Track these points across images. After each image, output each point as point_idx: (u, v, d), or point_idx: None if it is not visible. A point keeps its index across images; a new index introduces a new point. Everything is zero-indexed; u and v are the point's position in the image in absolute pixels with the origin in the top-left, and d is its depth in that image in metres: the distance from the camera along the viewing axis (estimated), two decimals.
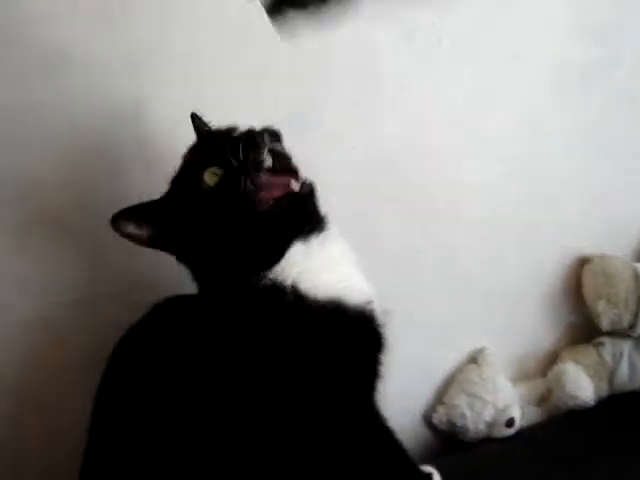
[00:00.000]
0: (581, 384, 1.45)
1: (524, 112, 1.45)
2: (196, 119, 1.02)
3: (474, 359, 1.48)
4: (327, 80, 1.24)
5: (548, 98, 1.47)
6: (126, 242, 1.02)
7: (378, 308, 0.90)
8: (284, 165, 0.89)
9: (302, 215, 0.90)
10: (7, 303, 1.09)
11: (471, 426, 1.40)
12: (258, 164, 0.86)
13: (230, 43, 1.15)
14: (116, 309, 0.99)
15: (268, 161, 0.87)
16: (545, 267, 1.56)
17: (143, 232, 0.90)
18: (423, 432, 1.46)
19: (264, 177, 0.86)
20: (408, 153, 1.33)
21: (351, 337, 0.85)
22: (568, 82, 1.49)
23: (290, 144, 0.92)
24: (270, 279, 0.86)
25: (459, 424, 1.41)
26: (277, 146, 0.89)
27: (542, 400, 1.50)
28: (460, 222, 1.42)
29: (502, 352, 1.50)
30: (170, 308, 0.93)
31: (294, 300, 0.85)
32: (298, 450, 0.82)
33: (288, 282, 0.86)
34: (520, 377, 1.53)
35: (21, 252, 1.09)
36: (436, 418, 1.43)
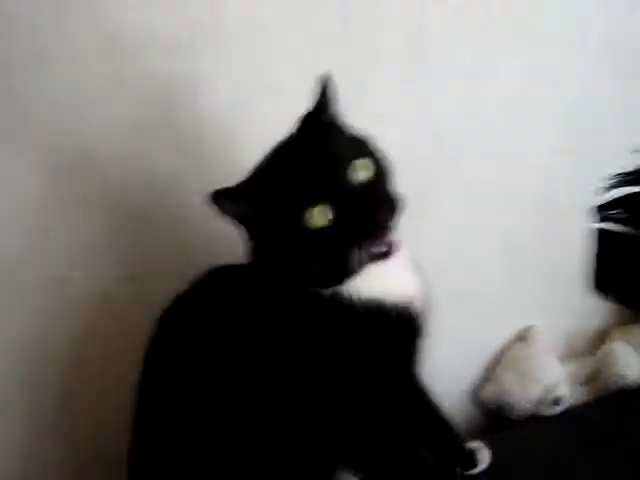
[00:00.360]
0: (631, 364, 1.43)
1: (579, 90, 1.44)
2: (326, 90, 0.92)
3: (523, 337, 1.48)
4: (376, 57, 1.24)
5: (604, 77, 1.45)
6: (185, 221, 1.11)
7: (419, 304, 0.91)
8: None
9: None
10: (67, 276, 1.10)
11: (518, 404, 1.40)
12: (378, 235, 0.85)
13: (287, 21, 1.16)
14: (173, 286, 1.00)
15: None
16: None
17: (239, 210, 0.88)
18: (470, 409, 1.46)
19: (372, 246, 0.86)
20: (457, 130, 1.33)
21: (387, 328, 0.87)
22: (624, 60, 1.46)
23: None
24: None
25: (506, 401, 1.40)
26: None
27: (590, 379, 1.49)
28: (515, 199, 1.41)
29: (551, 330, 1.49)
30: (225, 274, 0.95)
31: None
32: (342, 417, 0.87)
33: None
34: (569, 356, 1.52)
35: (83, 225, 1.10)
36: (484, 395, 1.43)
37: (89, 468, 1.15)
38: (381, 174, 0.87)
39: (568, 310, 1.55)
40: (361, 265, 0.84)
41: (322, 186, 0.83)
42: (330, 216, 0.82)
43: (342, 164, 0.84)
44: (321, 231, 0.82)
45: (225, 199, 0.85)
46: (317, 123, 0.88)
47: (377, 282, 0.87)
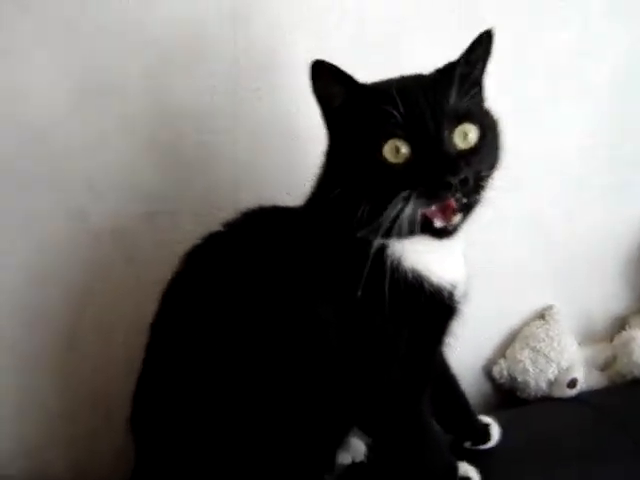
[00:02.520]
0: None
1: (626, 69, 1.40)
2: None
3: (542, 315, 1.45)
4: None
5: None
6: (210, 160, 1.09)
7: (459, 292, 0.90)
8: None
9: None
10: (80, 208, 1.07)
11: (532, 383, 1.37)
12: (445, 193, 0.78)
13: None
14: (193, 227, 0.97)
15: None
16: (625, 231, 1.51)
17: (329, 92, 0.84)
18: (483, 384, 1.44)
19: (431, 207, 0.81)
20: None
21: (422, 306, 0.86)
22: None
23: None
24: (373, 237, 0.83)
25: (520, 379, 1.38)
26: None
27: (606, 365, 1.46)
28: (543, 177, 1.37)
29: (571, 312, 1.46)
30: (263, 217, 0.93)
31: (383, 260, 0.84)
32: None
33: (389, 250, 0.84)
34: (587, 339, 1.49)
35: (101, 155, 1.07)
36: (496, 371, 1.40)
37: (85, 407, 1.14)
38: (480, 151, 0.82)
39: (589, 293, 1.51)
40: (412, 224, 0.79)
41: (412, 126, 0.79)
42: (405, 157, 0.79)
43: (444, 117, 0.79)
44: (391, 167, 0.79)
45: (325, 73, 0.82)
46: (452, 74, 0.82)
47: (426, 258, 0.85)
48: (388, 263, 0.83)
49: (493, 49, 0.86)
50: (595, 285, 1.51)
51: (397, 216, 0.77)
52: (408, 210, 0.77)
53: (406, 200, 0.77)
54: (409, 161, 0.79)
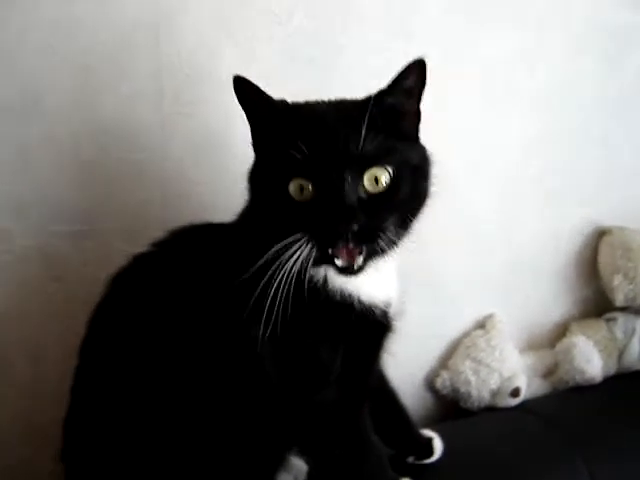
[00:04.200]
0: (590, 359, 1.41)
1: (557, 77, 1.42)
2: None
3: (482, 325, 1.45)
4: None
5: (585, 65, 1.43)
6: (137, 177, 1.06)
7: (392, 309, 0.89)
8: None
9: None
10: (4, 227, 1.04)
11: (475, 393, 1.37)
12: (337, 241, 0.77)
13: None
14: (121, 245, 0.95)
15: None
16: (562, 237, 1.52)
17: (255, 110, 0.83)
18: (425, 396, 1.43)
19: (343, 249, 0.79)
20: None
21: (354, 324, 0.85)
22: (605, 49, 1.45)
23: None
24: None
25: (463, 390, 1.37)
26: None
27: (549, 373, 1.46)
28: (480, 187, 1.38)
29: (511, 320, 1.46)
30: (191, 235, 0.91)
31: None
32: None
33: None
34: (528, 347, 1.50)
35: (23, 172, 1.03)
36: (439, 382, 1.39)
37: (17, 436, 1.09)
38: (393, 195, 0.80)
39: (529, 301, 1.51)
40: (314, 260, 0.78)
41: (316, 167, 0.77)
42: (309, 195, 0.78)
43: (349, 162, 0.77)
44: (296, 204, 0.78)
45: (245, 89, 0.81)
46: (365, 110, 0.79)
47: (355, 281, 0.83)
48: (313, 284, 0.81)
49: (426, 78, 0.83)
50: (535, 292, 1.51)
51: (294, 254, 0.76)
52: (304, 252, 0.76)
53: (301, 242, 0.76)
54: (313, 199, 0.77)
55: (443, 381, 1.39)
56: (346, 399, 0.87)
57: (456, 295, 1.41)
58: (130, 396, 0.83)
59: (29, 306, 1.07)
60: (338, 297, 0.83)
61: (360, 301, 0.84)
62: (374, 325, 0.86)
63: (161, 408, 0.82)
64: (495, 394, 1.37)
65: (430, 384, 1.42)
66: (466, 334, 1.44)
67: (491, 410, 1.38)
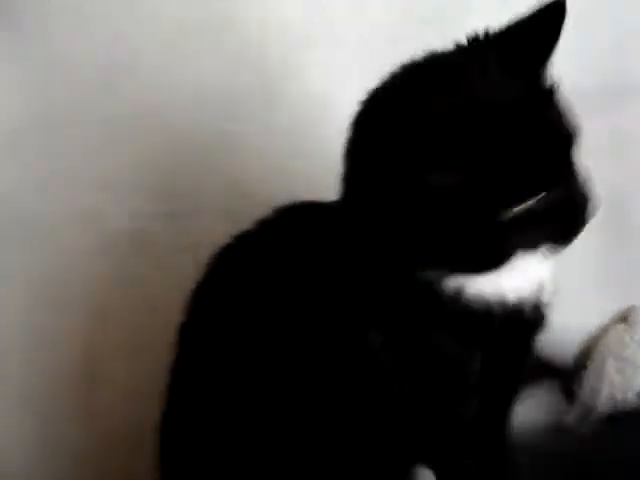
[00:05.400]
0: None
1: None
2: None
3: (624, 318, 1.30)
4: None
5: None
6: (235, 157, 1.02)
7: (544, 297, 0.74)
8: None
9: None
10: (97, 209, 1.00)
11: (620, 394, 1.22)
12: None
13: None
14: (221, 227, 0.87)
15: None
16: None
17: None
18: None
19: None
20: None
21: (495, 331, 0.71)
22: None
23: None
24: None
25: (606, 392, 1.23)
26: None
27: None
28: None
29: None
30: (299, 215, 0.81)
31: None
32: None
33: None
34: None
35: (115, 150, 1.00)
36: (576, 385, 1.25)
37: (114, 446, 1.04)
38: None
39: None
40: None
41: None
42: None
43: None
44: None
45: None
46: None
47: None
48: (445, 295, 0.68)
49: None
50: None
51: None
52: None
53: None
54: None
55: (583, 382, 1.25)
56: (490, 409, 0.77)
57: (590, 285, 1.27)
58: (233, 395, 0.75)
59: (118, 295, 1.03)
60: (476, 306, 0.69)
61: (504, 304, 0.70)
62: (522, 326, 0.73)
63: (269, 413, 0.73)
64: None
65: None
66: (605, 330, 1.30)
67: (637, 413, 1.22)
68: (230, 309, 0.77)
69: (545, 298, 0.73)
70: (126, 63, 0.97)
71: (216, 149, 1.02)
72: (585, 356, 1.28)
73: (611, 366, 1.24)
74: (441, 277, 0.66)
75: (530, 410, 1.02)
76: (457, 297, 0.67)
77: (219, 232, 0.83)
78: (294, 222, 0.80)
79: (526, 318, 0.72)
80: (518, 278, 0.69)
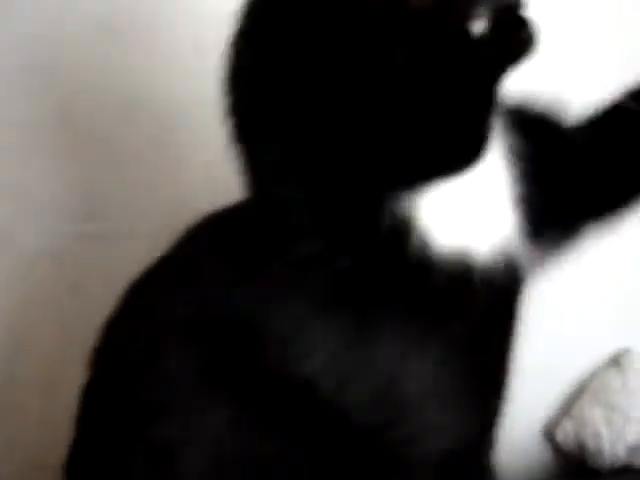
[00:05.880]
0: None
1: None
2: None
3: (616, 362, 1.23)
4: None
5: None
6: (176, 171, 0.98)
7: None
8: None
9: None
10: (10, 226, 0.96)
11: (607, 448, 1.14)
12: None
13: None
14: (158, 250, 0.81)
15: None
16: None
17: None
18: (543, 452, 1.23)
19: None
20: None
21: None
22: None
23: None
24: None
25: (591, 445, 1.16)
26: None
27: None
28: None
29: None
30: (205, 230, 0.73)
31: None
32: None
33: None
34: None
35: (27, 157, 0.96)
36: (560, 434, 1.18)
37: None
38: None
39: None
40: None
41: None
42: None
43: None
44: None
45: None
46: None
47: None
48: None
49: None
50: None
51: None
52: None
53: None
54: None
55: (566, 433, 1.19)
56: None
57: (582, 326, 1.21)
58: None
59: (35, 314, 0.99)
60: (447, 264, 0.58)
61: (477, 257, 0.59)
62: (502, 287, 0.61)
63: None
64: (635, 451, 1.15)
65: (549, 436, 1.22)
66: (595, 373, 1.24)
67: (627, 471, 1.17)
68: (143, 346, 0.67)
69: (516, 249, 0.62)
70: (47, 64, 0.94)
71: (153, 162, 0.98)
72: (570, 402, 1.24)
73: (598, 415, 1.17)
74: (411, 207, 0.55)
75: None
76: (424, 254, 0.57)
77: (156, 255, 0.74)
78: (204, 236, 0.73)
79: (503, 275, 0.61)
80: (486, 225, 0.60)
